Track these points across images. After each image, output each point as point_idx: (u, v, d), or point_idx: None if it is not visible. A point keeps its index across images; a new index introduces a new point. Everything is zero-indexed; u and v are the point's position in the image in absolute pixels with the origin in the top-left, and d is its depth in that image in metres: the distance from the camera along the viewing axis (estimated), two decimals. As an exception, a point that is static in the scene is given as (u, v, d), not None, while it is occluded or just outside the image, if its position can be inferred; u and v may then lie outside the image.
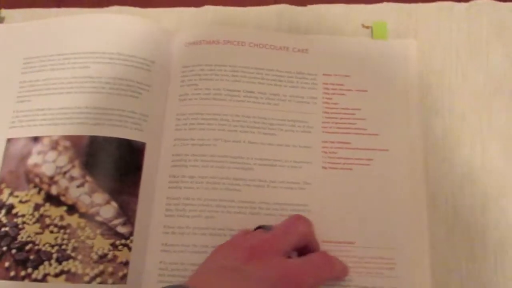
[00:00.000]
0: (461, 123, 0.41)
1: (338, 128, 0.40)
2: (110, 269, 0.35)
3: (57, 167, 0.38)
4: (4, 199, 0.37)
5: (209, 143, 0.38)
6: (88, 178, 0.37)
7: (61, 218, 0.36)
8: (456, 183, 0.39)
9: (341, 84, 0.41)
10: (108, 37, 0.42)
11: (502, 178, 0.39)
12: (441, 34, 0.44)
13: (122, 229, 0.36)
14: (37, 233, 0.36)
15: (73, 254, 0.35)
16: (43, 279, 0.34)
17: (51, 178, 0.37)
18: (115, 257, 0.35)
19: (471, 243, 0.37)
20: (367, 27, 0.44)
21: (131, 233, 0.36)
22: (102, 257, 0.35)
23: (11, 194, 0.37)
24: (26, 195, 0.37)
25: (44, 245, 0.35)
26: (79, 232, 0.35)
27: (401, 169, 0.38)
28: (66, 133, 0.38)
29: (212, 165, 0.37)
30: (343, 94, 0.41)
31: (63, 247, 0.35)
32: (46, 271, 0.35)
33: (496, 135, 0.40)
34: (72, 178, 0.37)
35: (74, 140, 0.38)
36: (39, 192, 0.37)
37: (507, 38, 0.43)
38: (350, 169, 0.38)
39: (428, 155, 0.40)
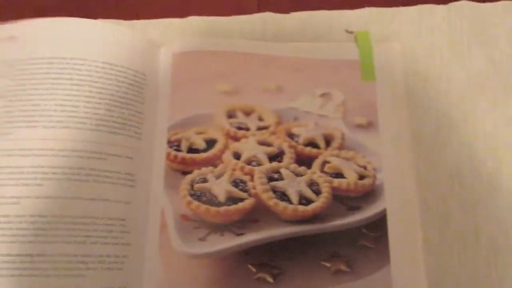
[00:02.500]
0: (448, 124, 0.42)
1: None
2: None
3: None
4: None
5: None
6: None
7: None
8: (447, 185, 0.40)
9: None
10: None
11: (490, 178, 0.40)
12: (423, 37, 0.45)
13: None
14: None
15: None
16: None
17: None
18: None
19: (463, 243, 0.38)
20: (351, 33, 0.45)
21: None
22: None
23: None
24: None
25: None
26: None
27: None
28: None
29: None
30: None
31: None
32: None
33: (482, 135, 0.41)
34: None
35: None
36: None
37: (487, 38, 0.45)
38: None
39: (419, 159, 0.41)
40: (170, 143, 0.40)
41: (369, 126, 0.42)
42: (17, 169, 0.37)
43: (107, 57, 0.41)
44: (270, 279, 0.36)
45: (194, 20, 0.47)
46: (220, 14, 0.47)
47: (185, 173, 0.39)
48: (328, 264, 0.37)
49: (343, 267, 0.37)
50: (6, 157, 0.38)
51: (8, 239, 0.36)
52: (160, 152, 0.40)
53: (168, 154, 0.40)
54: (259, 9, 0.47)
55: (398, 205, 0.39)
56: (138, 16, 0.47)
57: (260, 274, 0.36)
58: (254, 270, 0.36)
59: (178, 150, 0.40)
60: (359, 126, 0.42)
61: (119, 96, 0.40)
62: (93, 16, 0.47)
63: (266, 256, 0.37)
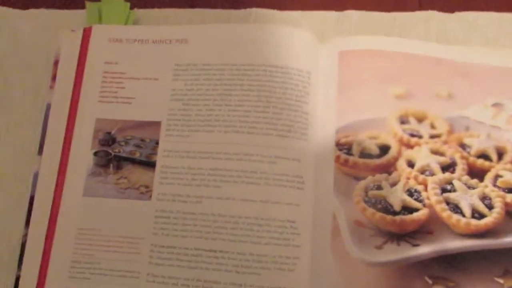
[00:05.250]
0: None
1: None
2: None
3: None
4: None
5: None
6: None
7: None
8: None
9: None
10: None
11: None
12: None
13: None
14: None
15: None
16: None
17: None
18: None
19: None
20: (522, 38, 0.43)
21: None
22: None
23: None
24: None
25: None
26: None
27: None
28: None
29: None
30: None
31: None
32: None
33: None
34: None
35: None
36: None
37: None
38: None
39: None
40: (339, 145, 0.40)
41: (544, 141, 0.40)
42: (199, 171, 0.39)
43: (273, 60, 0.41)
44: (447, 292, 0.36)
45: (351, 14, 0.45)
46: (378, 9, 0.45)
47: (356, 178, 0.39)
48: (501, 281, 0.37)
49: (517, 285, 0.37)
50: (188, 158, 0.39)
51: (195, 235, 0.38)
52: (327, 154, 0.40)
53: (338, 157, 0.39)
54: (420, 6, 0.45)
55: None
56: (292, 7, 0.46)
57: (436, 287, 0.36)
58: (430, 282, 0.36)
59: (348, 153, 0.40)
60: (533, 141, 0.40)
61: (286, 98, 0.40)
62: (245, 5, 0.46)
63: (441, 268, 0.37)
